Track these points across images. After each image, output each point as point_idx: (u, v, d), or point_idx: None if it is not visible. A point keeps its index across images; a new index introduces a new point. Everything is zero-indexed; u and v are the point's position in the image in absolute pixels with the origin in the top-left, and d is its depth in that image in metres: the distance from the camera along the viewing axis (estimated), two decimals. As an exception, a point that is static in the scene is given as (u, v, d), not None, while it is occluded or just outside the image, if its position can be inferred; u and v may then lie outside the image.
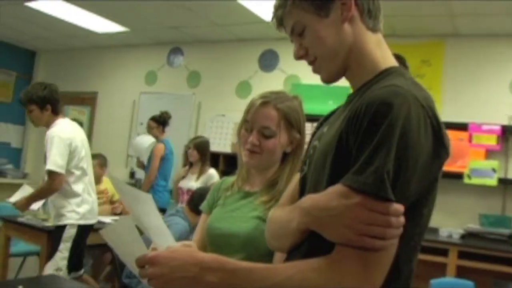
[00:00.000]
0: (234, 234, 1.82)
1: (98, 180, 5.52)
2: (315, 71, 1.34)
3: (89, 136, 8.51)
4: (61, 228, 3.94)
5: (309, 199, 1.15)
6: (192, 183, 5.40)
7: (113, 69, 8.45)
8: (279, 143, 1.87)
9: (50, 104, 4.04)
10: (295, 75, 6.80)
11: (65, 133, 3.98)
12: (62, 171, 3.85)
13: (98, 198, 5.42)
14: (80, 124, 8.63)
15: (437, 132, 1.09)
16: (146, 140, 6.49)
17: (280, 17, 1.33)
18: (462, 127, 5.46)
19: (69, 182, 3.97)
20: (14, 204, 4.06)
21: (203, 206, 2.07)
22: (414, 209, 1.09)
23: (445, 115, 5.74)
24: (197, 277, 1.12)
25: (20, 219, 4.47)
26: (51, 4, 6.33)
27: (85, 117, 8.73)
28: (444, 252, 4.88)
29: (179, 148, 6.53)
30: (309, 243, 1.18)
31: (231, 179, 2.06)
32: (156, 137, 6.33)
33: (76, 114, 8.81)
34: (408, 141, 1.03)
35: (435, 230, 5.33)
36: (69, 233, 3.94)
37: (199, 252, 1.20)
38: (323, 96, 6.48)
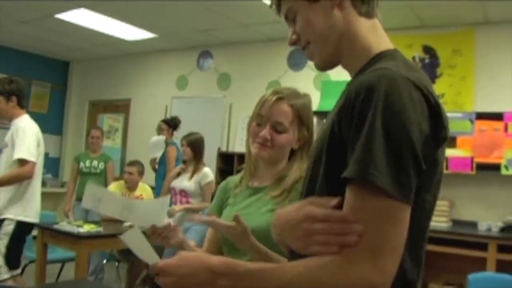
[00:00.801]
0: (255, 229, 1.79)
1: (135, 187, 5.59)
2: (309, 57, 1.33)
3: (124, 143, 8.63)
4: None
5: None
6: (185, 182, 5.11)
7: (145, 75, 8.54)
8: (291, 139, 1.89)
9: (16, 96, 4.17)
10: (324, 72, 6.73)
11: (34, 127, 4.18)
12: (35, 159, 3.99)
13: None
14: (116, 131, 8.87)
15: (435, 112, 1.06)
16: (158, 139, 6.64)
17: (277, 4, 1.35)
18: (497, 116, 5.31)
19: None
20: None
21: (211, 207, 2.07)
22: (417, 194, 1.05)
23: (479, 105, 5.65)
24: (209, 282, 1.12)
25: (56, 226, 4.53)
26: (80, 15, 6.44)
27: (120, 125, 8.85)
28: (483, 246, 4.74)
29: (211, 150, 6.55)
30: None
31: (235, 178, 2.06)
32: (165, 139, 6.44)
33: (111, 122, 8.95)
34: (397, 123, 1.00)
35: (473, 224, 5.21)
36: (7, 229, 3.94)
37: (208, 257, 1.20)
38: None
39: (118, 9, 6.17)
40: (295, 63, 7.02)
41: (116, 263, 5.34)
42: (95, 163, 6.26)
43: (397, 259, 1.00)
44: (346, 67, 1.29)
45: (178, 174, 5.27)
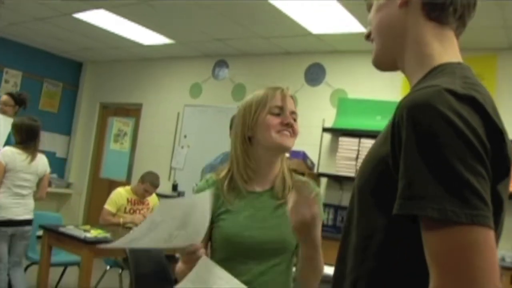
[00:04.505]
0: (269, 241, 1.85)
1: (143, 195, 5.50)
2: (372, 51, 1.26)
3: (133, 147, 8.54)
4: None
5: None
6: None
7: (158, 81, 8.45)
8: None
9: None
10: (341, 89, 6.65)
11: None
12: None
13: (139, 210, 5.39)
14: (124, 135, 8.79)
15: (492, 131, 0.94)
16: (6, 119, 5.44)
17: None
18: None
19: None
20: None
21: None
22: None
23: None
24: None
25: (62, 229, 4.42)
26: (99, 15, 6.37)
27: (129, 129, 8.77)
28: (497, 278, 4.60)
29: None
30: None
31: (210, 182, 1.96)
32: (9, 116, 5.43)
33: (120, 125, 8.87)
34: (440, 148, 0.89)
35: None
36: None
37: None
38: (370, 111, 6.32)
39: (138, 12, 6.10)
40: (312, 78, 6.93)
41: (120, 270, 5.22)
42: None
43: None
44: (406, 74, 1.20)
45: None
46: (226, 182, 1.92)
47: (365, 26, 5.29)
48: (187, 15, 6.00)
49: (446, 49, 1.14)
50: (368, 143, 6.01)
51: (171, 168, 7.90)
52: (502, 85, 5.62)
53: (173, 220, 1.54)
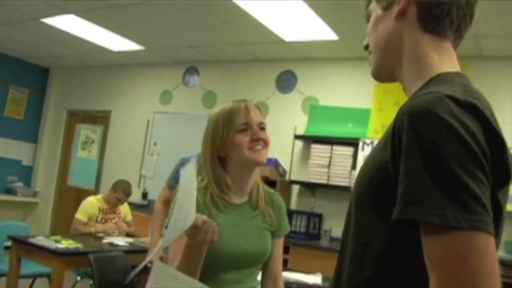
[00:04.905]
0: (250, 253, 1.91)
1: (115, 204, 5.41)
2: (370, 62, 1.28)
3: (101, 155, 8.41)
4: None
5: None
6: None
7: (128, 87, 8.34)
8: None
9: None
10: (313, 96, 6.67)
11: None
12: None
13: (111, 219, 5.30)
14: (92, 142, 8.65)
15: (492, 138, 0.94)
16: None
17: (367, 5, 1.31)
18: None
19: None
20: None
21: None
22: None
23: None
24: None
25: (31, 240, 4.31)
26: (67, 21, 6.25)
27: (97, 136, 8.63)
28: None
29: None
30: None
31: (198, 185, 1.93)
32: None
33: (88, 132, 8.73)
34: (440, 154, 0.89)
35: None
36: None
37: None
38: (342, 118, 6.35)
39: (108, 18, 6.00)
40: (283, 86, 6.93)
41: (91, 281, 5.10)
42: None
43: None
44: (404, 84, 1.20)
45: None
46: (208, 194, 1.93)
47: (338, 33, 5.32)
48: (159, 21, 5.93)
49: (445, 60, 1.14)
50: (340, 150, 6.04)
51: (140, 176, 7.80)
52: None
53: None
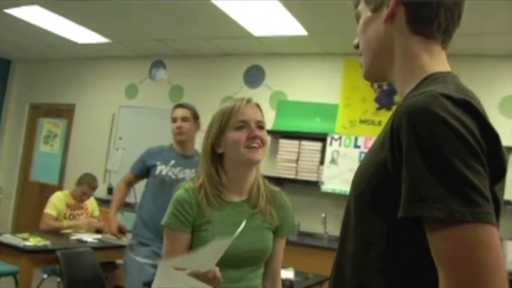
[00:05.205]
0: (250, 251, 1.91)
1: (81, 199, 5.32)
2: (360, 63, 1.30)
3: (65, 149, 8.26)
4: None
5: None
6: None
7: (93, 81, 8.19)
8: None
9: None
10: (281, 91, 6.68)
11: None
12: None
13: (78, 215, 5.22)
14: (55, 137, 8.47)
15: (487, 133, 0.97)
16: None
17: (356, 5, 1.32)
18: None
19: None
20: None
21: (173, 222, 1.93)
22: None
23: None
24: None
25: (-3, 237, 4.21)
26: (31, 12, 6.09)
27: (60, 130, 8.45)
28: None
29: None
30: None
31: (190, 193, 1.96)
32: None
33: (50, 126, 8.55)
34: (440, 150, 0.92)
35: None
36: None
37: None
38: (310, 114, 6.38)
39: (74, 10, 5.87)
40: (251, 80, 6.92)
41: (58, 279, 5.02)
42: None
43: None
44: (396, 85, 1.23)
45: None
46: (202, 193, 1.93)
47: (307, 29, 5.33)
48: (126, 14, 5.84)
49: (435, 59, 1.18)
50: (308, 145, 6.07)
51: (106, 170, 7.69)
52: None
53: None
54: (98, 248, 4.53)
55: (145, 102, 7.62)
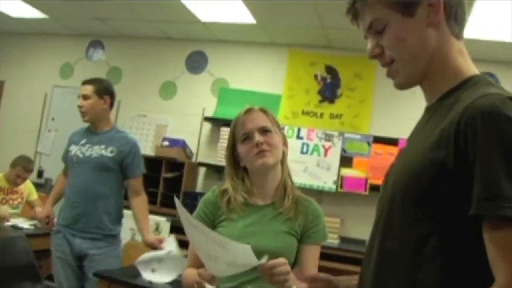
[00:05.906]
0: (265, 250, 1.80)
1: (15, 182, 5.06)
2: (389, 74, 1.26)
3: (-7, 129, 7.84)
4: None
5: None
6: None
7: (25, 57, 7.78)
8: (278, 138, 2.06)
9: None
10: (223, 79, 6.62)
11: None
12: None
13: (14, 200, 4.96)
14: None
15: None
16: None
17: (357, 10, 1.26)
18: (392, 142, 5.53)
19: None
20: None
21: (197, 219, 1.98)
22: None
23: (375, 129, 5.84)
24: None
25: None
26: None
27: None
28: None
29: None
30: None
31: (215, 194, 2.10)
32: None
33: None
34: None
35: (361, 242, 5.32)
36: None
37: None
38: (252, 103, 6.29)
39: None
40: (193, 66, 6.81)
41: None
42: None
43: None
44: (427, 87, 1.25)
45: None
46: (225, 196, 2.06)
47: (256, 18, 5.27)
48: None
49: (467, 60, 1.23)
50: (250, 134, 6.04)
51: (36, 153, 7.36)
52: (379, 86, 5.92)
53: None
54: (34, 235, 4.32)
55: (81, 82, 7.33)
